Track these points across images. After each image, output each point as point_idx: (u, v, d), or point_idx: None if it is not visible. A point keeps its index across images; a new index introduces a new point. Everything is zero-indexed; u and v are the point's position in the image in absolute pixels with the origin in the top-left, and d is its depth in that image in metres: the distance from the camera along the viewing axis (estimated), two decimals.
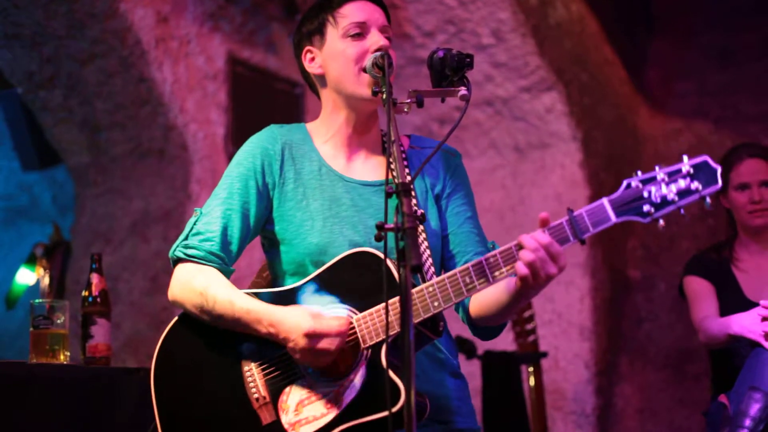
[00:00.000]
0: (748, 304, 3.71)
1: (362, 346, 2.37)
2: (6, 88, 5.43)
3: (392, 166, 2.21)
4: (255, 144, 2.62)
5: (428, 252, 2.57)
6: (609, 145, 6.09)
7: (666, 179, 2.27)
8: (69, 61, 4.85)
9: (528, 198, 5.86)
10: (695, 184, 2.26)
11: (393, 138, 2.25)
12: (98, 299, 3.24)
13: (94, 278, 3.26)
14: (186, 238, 2.53)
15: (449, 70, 2.44)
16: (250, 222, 2.57)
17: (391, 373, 2.28)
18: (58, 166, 5.82)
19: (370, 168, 2.65)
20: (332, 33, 2.60)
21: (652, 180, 2.27)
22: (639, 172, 2.29)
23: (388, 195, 2.13)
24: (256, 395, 2.43)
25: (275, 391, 2.42)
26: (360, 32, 2.56)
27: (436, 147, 2.50)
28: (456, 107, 5.57)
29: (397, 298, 2.25)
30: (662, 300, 5.99)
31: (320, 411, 2.37)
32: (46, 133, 5.27)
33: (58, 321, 3.11)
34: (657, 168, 2.29)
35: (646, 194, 2.26)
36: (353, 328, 2.38)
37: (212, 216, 2.53)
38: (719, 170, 2.28)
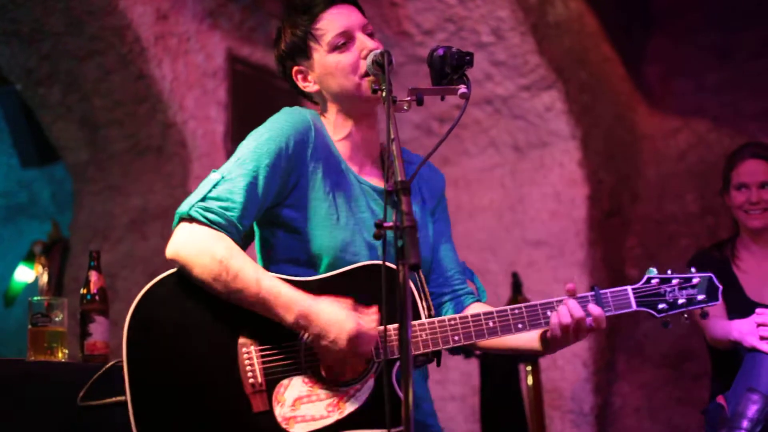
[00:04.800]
0: (750, 305, 3.72)
1: (374, 358, 2.36)
2: (4, 85, 5.43)
3: (393, 165, 2.21)
4: (289, 123, 2.52)
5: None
6: (608, 144, 6.08)
7: (679, 284, 2.56)
8: (67, 58, 4.84)
9: (527, 197, 5.86)
10: (701, 296, 2.57)
11: (393, 136, 2.25)
12: (97, 297, 3.23)
13: (93, 276, 3.25)
14: (204, 200, 2.40)
15: (449, 68, 2.44)
16: (268, 202, 2.47)
17: (399, 392, 2.28)
18: (56, 163, 5.82)
19: (377, 177, 2.65)
20: (317, 50, 2.56)
21: (668, 281, 2.55)
22: (655, 270, 2.56)
23: (387, 193, 2.13)
24: (251, 380, 2.33)
25: (272, 381, 2.34)
26: (345, 41, 2.55)
27: (436, 145, 2.50)
28: (456, 105, 5.57)
29: (417, 322, 2.39)
30: None
31: (319, 412, 2.33)
32: (44, 130, 5.26)
33: (57, 319, 3.09)
34: (670, 272, 2.57)
35: (662, 292, 2.54)
36: None
37: (235, 185, 2.40)
38: (720, 289, 2.60)
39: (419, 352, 2.37)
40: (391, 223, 2.06)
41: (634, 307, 2.51)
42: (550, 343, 2.49)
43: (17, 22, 4.71)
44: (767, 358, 3.41)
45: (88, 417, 2.95)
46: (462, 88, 2.43)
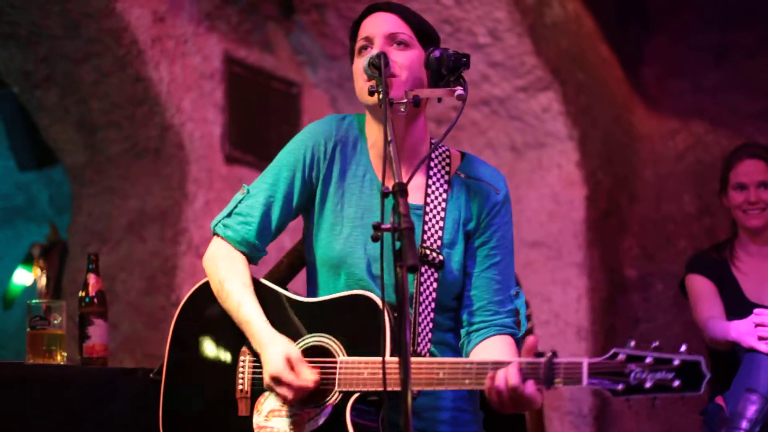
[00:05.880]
0: (748, 306, 3.73)
1: (336, 388, 2.37)
2: (2, 88, 5.43)
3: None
4: (310, 135, 2.62)
5: (433, 295, 2.52)
6: (605, 145, 6.09)
7: (652, 365, 2.10)
8: (65, 60, 4.84)
9: (525, 198, 5.86)
10: (677, 383, 2.08)
11: (390, 138, 2.25)
12: (95, 299, 3.23)
13: (91, 278, 3.25)
14: (229, 215, 2.60)
15: (445, 70, 2.45)
16: (291, 210, 2.61)
17: (349, 426, 2.32)
18: (54, 166, 5.82)
19: (412, 189, 2.42)
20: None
21: (640, 360, 2.11)
22: (632, 343, 2.15)
23: (384, 196, 2.14)
24: (240, 386, 2.48)
25: (256, 390, 2.47)
26: (366, 45, 2.53)
27: (433, 147, 2.52)
28: (453, 107, 5.56)
29: (372, 360, 2.32)
30: (659, 300, 5.99)
31: (284, 428, 2.40)
32: (42, 133, 5.26)
33: (55, 321, 3.10)
34: (652, 346, 2.13)
35: (626, 371, 2.11)
36: (335, 366, 2.38)
37: (256, 200, 2.59)
38: (707, 378, 2.11)
39: (365, 389, 2.32)
40: (388, 225, 2.07)
41: (584, 383, 2.12)
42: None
43: (14, 24, 4.71)
44: (766, 359, 3.41)
45: (85, 420, 2.96)
46: (459, 90, 2.42)
